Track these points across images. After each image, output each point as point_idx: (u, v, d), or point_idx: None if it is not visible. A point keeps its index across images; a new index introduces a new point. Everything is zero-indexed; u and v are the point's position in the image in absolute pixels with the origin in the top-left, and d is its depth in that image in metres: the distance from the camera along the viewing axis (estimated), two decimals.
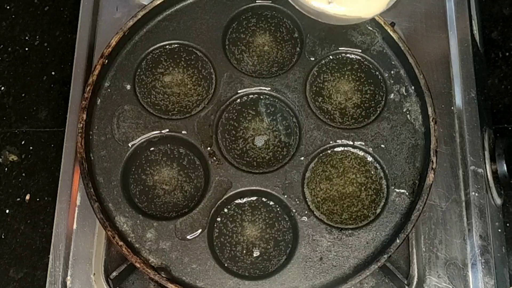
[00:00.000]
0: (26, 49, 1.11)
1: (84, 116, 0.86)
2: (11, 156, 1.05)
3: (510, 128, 1.05)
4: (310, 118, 0.89)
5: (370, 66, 0.92)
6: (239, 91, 0.91)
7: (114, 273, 0.86)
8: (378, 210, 0.86)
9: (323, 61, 0.93)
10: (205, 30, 0.94)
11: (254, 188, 0.86)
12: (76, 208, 0.91)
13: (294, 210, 0.85)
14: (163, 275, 0.81)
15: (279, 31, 0.95)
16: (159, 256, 0.83)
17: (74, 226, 0.90)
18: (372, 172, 0.88)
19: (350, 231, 0.85)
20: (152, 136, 0.89)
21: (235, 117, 0.91)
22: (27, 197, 1.02)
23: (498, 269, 0.90)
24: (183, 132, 0.89)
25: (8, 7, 1.14)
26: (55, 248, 0.89)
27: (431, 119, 0.87)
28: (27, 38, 1.12)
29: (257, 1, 0.95)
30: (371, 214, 0.86)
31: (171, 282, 0.80)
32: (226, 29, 0.95)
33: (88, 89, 0.87)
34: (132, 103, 0.90)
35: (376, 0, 0.81)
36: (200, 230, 0.84)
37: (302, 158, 0.88)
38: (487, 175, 0.92)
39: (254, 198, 0.87)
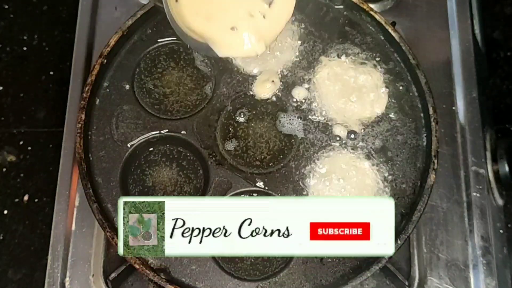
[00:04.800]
0: (25, 48, 1.11)
1: (83, 116, 0.86)
2: (9, 156, 1.04)
3: (511, 129, 1.05)
4: (310, 118, 0.89)
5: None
6: (239, 91, 0.90)
7: (113, 274, 0.85)
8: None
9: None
10: None
11: (254, 188, 0.86)
12: (75, 209, 0.91)
13: None
14: (163, 276, 0.81)
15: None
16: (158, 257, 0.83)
17: (73, 227, 0.90)
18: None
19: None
20: (151, 136, 0.88)
21: (235, 117, 0.90)
22: (26, 197, 1.02)
23: (499, 270, 0.89)
24: (182, 132, 0.88)
25: (6, 7, 1.14)
26: (54, 249, 0.89)
27: (432, 119, 0.86)
28: (25, 37, 1.11)
29: None
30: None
31: (171, 284, 0.80)
32: None
33: (86, 89, 0.87)
34: (131, 103, 0.90)
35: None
36: None
37: (303, 158, 0.87)
38: (488, 176, 0.92)
39: None
